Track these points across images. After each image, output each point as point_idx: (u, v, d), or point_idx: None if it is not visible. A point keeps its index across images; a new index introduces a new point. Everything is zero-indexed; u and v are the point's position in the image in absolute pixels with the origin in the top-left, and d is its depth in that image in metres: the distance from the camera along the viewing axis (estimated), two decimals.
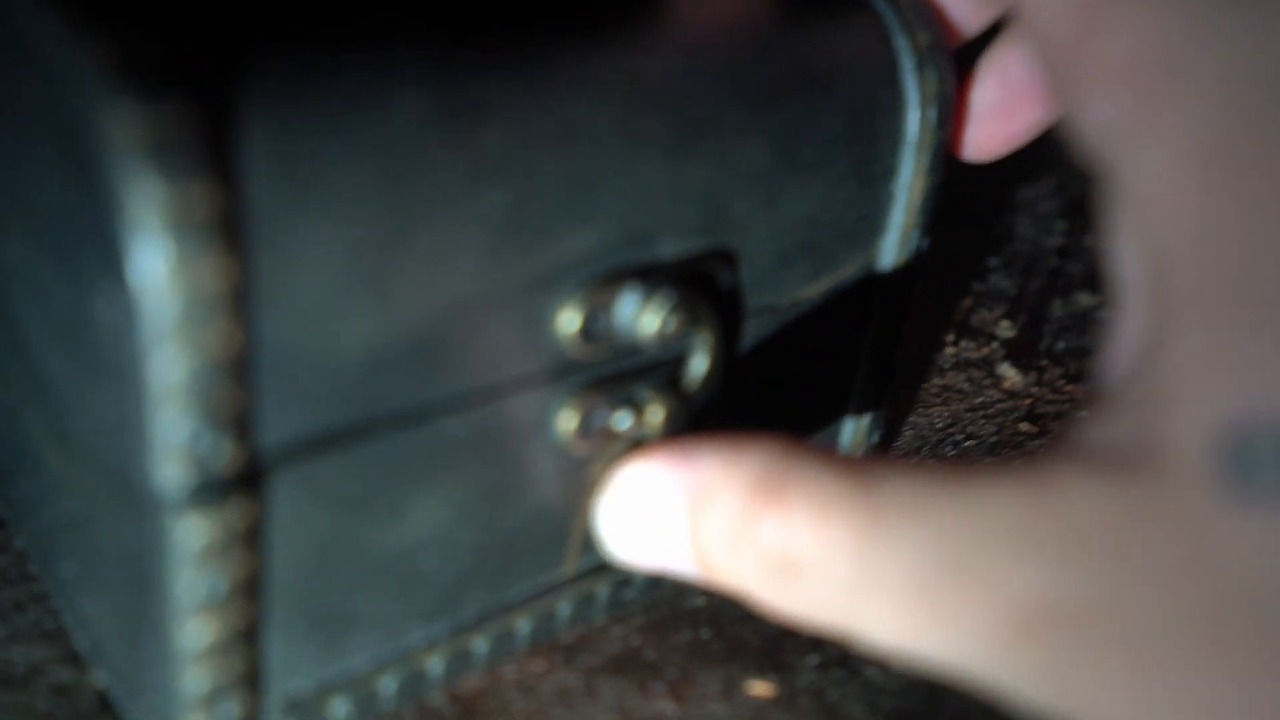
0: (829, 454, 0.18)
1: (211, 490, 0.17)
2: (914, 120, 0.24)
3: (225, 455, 0.17)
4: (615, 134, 0.20)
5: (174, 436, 0.16)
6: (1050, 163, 0.54)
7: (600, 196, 0.20)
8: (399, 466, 0.19)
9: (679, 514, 0.20)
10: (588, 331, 0.21)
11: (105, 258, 0.16)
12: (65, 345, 0.18)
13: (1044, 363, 0.38)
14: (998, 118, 0.25)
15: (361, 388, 0.18)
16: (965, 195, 0.50)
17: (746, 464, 0.19)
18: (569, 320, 0.20)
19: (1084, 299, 0.42)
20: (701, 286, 0.22)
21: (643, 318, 0.21)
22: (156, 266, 0.15)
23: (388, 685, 0.21)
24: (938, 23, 0.25)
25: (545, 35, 0.19)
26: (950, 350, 0.37)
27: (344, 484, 0.19)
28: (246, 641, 0.19)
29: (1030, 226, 0.48)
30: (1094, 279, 0.44)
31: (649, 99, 0.20)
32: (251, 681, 0.19)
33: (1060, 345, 0.39)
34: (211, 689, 0.19)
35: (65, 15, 0.16)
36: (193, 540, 0.17)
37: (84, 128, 0.15)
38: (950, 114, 0.25)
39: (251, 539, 0.18)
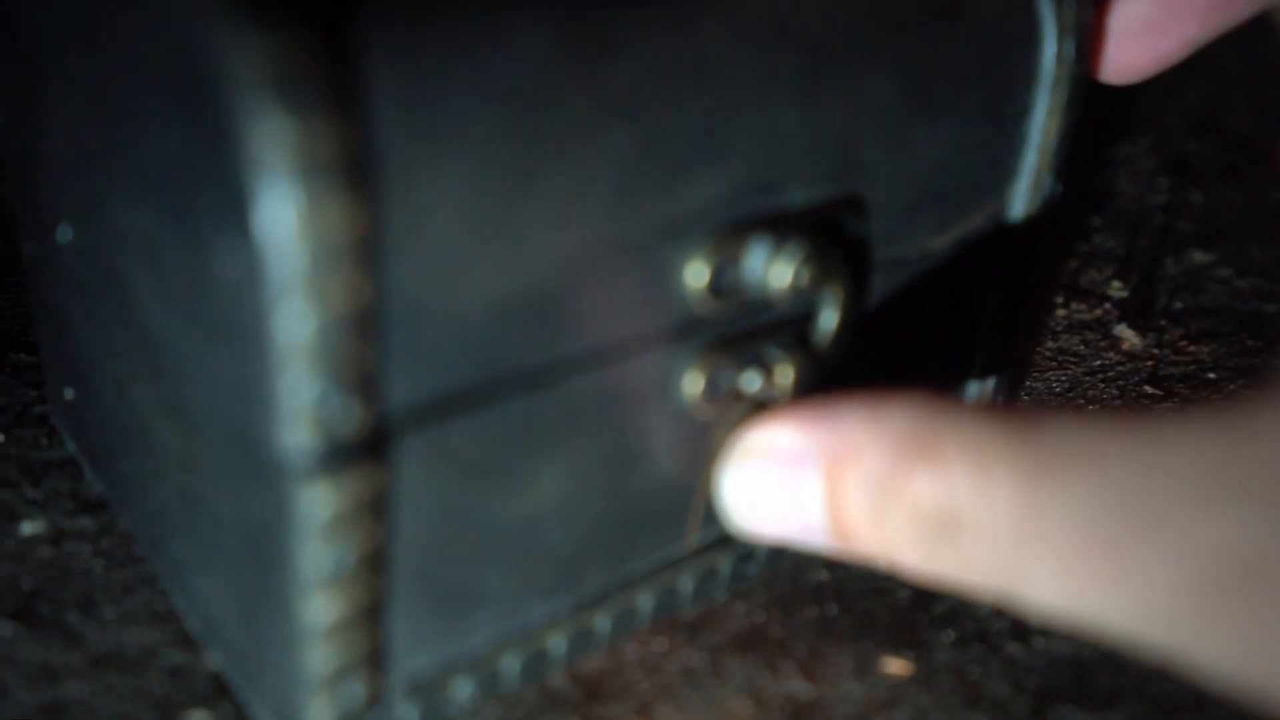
0: (983, 405, 0.17)
1: (339, 456, 0.16)
2: (1050, 54, 0.23)
3: (354, 418, 0.16)
4: (747, 69, 0.18)
5: (300, 398, 0.15)
6: (1145, 119, 0.52)
7: (731, 137, 0.19)
8: (525, 431, 0.18)
9: (814, 478, 0.18)
10: (716, 285, 0.19)
11: (226, 206, 0.15)
12: (180, 308, 0.17)
13: (1162, 323, 0.36)
14: (1148, 34, 0.23)
15: (489, 344, 0.17)
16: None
17: (893, 420, 0.17)
18: (697, 273, 0.19)
19: (1197, 256, 0.40)
20: (832, 236, 0.21)
21: (773, 270, 0.20)
22: (282, 213, 0.14)
23: (510, 665, 0.20)
24: None
25: None
26: (1061, 312, 0.36)
27: (470, 449, 0.18)
28: (371, 618, 0.18)
29: (1131, 184, 0.45)
30: (1205, 236, 0.41)
31: (781, 30, 0.19)
32: (375, 661, 0.18)
33: (1178, 304, 0.37)
34: (336, 668, 0.18)
35: None
36: (319, 510, 0.16)
37: (203, 63, 0.14)
38: (1090, 47, 0.23)
39: (378, 508, 0.17)
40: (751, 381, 0.21)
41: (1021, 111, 0.23)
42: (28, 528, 0.23)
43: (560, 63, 0.17)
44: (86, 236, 0.20)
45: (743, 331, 0.21)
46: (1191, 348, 0.35)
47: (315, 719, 0.18)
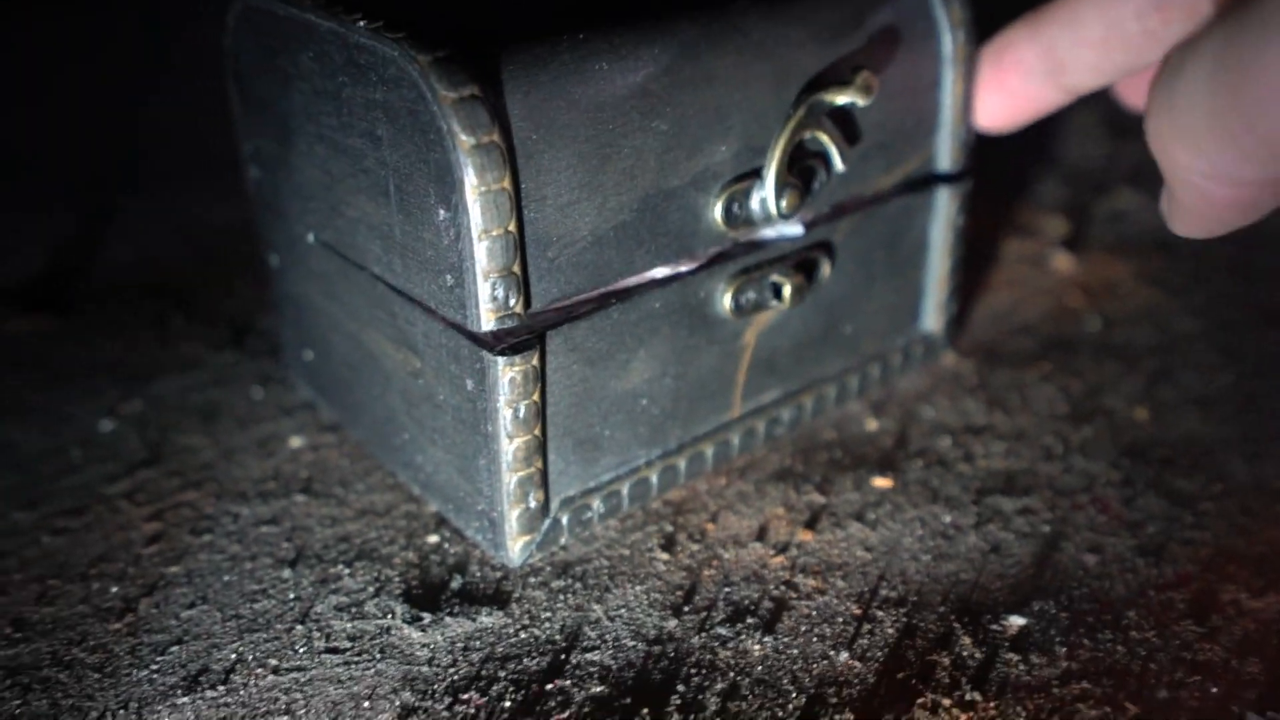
0: None
1: (515, 340, 0.27)
2: (948, 41, 0.33)
3: (518, 312, 0.27)
4: (736, 76, 0.29)
5: (492, 301, 0.27)
6: None
7: (730, 120, 0.30)
8: (621, 331, 0.29)
9: None
10: (728, 217, 0.30)
11: (436, 187, 0.26)
12: (406, 260, 0.29)
13: (1092, 248, 0.46)
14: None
15: (592, 263, 0.28)
16: None
17: None
18: (717, 210, 0.30)
19: (1125, 196, 0.50)
20: (805, 178, 0.32)
21: (765, 201, 0.30)
22: (469, 181, 0.25)
23: (624, 492, 0.31)
24: None
25: (686, 12, 0.29)
26: (1012, 247, 0.46)
27: (589, 342, 0.29)
28: (539, 454, 0.29)
29: (1076, 141, 0.55)
30: (1135, 179, 0.51)
31: (756, 50, 0.30)
32: (543, 483, 0.30)
33: (1108, 234, 0.47)
34: (522, 486, 0.29)
35: (404, 46, 0.26)
36: (507, 376, 0.27)
37: (418, 108, 0.26)
38: (974, 33, 0.34)
39: (540, 379, 0.28)
40: (765, 297, 0.32)
41: (933, 83, 0.34)
42: (294, 442, 0.35)
43: (619, 85, 0.28)
44: (326, 235, 0.32)
45: (756, 263, 0.32)
46: (1112, 267, 0.45)
47: (512, 522, 0.29)
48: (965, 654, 0.27)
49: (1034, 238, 0.47)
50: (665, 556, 0.30)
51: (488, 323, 0.27)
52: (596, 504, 0.31)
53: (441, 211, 0.26)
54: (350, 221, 0.30)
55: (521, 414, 0.28)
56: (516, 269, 0.27)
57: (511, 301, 0.27)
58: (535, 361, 0.28)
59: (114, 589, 0.30)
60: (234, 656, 0.27)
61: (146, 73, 0.62)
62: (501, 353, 0.27)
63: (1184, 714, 0.25)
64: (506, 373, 0.27)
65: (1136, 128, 0.59)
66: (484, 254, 0.26)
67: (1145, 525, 0.31)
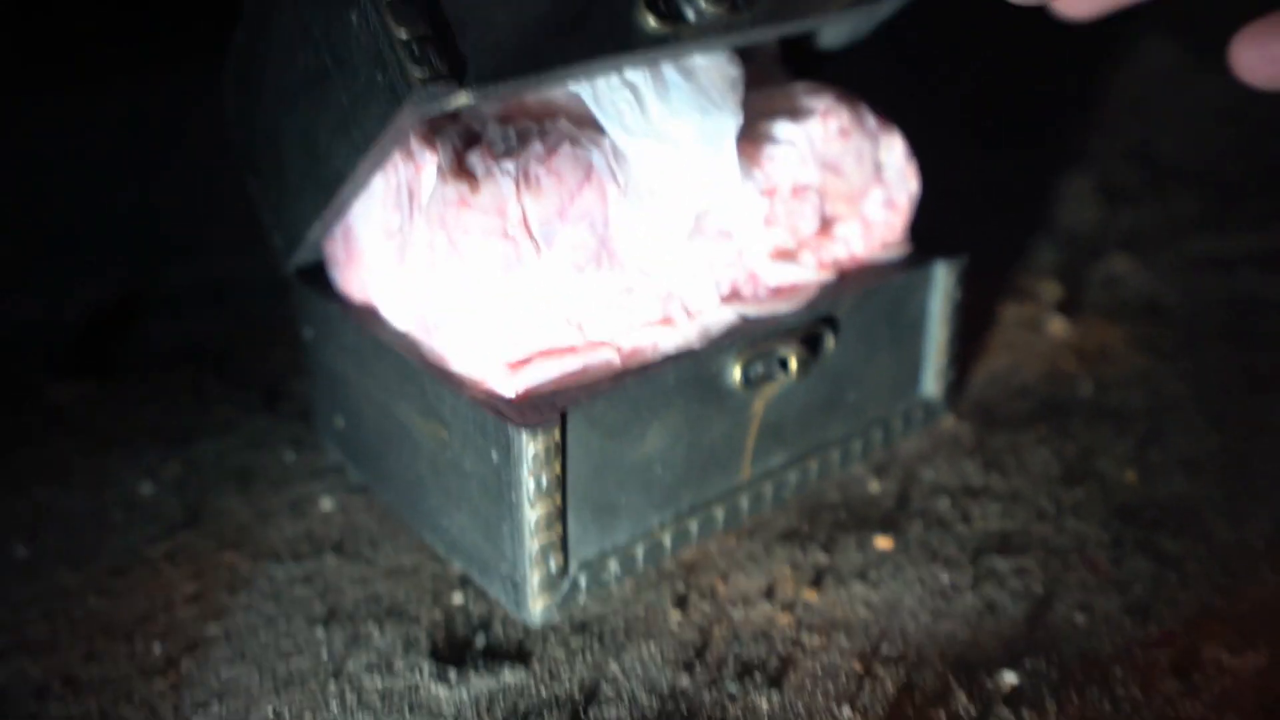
0: None
1: (540, 417, 0.29)
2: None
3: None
4: None
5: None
6: (1084, 152, 0.64)
7: None
8: (638, 405, 0.31)
9: None
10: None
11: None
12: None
13: (1086, 313, 0.48)
14: None
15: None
16: (1013, 187, 0.60)
17: None
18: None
19: (1119, 261, 0.52)
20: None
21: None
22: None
23: (639, 553, 0.33)
24: None
25: None
26: (1010, 311, 0.48)
27: (608, 417, 0.31)
28: (559, 520, 0.31)
29: (1070, 207, 0.57)
30: (1128, 245, 0.53)
31: None
32: (562, 547, 0.31)
33: (1102, 299, 0.49)
34: (543, 549, 0.31)
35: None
36: (531, 451, 0.29)
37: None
38: None
39: (560, 451, 0.30)
40: (771, 371, 0.34)
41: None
42: (325, 505, 0.37)
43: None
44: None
45: (763, 336, 0.34)
46: (1105, 331, 0.47)
47: (533, 582, 0.31)
48: (961, 710, 0.29)
49: (1031, 301, 0.49)
50: (678, 615, 0.32)
51: (517, 415, 0.29)
52: (613, 565, 0.33)
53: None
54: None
55: (544, 484, 0.30)
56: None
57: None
58: (557, 436, 0.30)
59: (157, 648, 0.31)
60: (271, 713, 0.29)
61: (183, 142, 0.65)
62: (526, 427, 0.29)
63: None
64: (530, 446, 0.29)
65: (1129, 193, 0.61)
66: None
67: (1133, 584, 0.33)
